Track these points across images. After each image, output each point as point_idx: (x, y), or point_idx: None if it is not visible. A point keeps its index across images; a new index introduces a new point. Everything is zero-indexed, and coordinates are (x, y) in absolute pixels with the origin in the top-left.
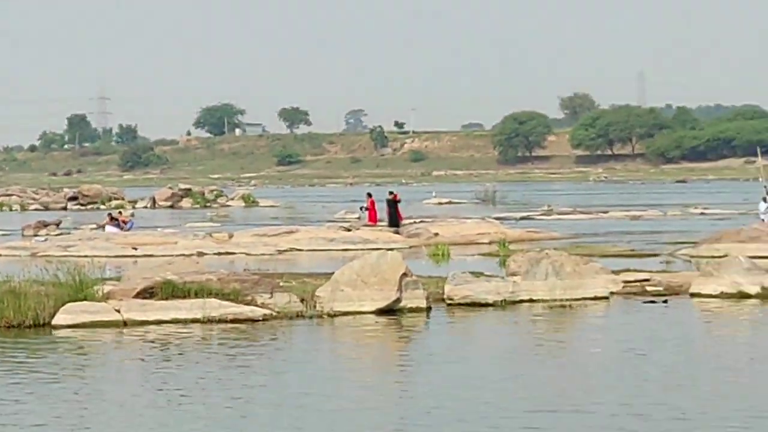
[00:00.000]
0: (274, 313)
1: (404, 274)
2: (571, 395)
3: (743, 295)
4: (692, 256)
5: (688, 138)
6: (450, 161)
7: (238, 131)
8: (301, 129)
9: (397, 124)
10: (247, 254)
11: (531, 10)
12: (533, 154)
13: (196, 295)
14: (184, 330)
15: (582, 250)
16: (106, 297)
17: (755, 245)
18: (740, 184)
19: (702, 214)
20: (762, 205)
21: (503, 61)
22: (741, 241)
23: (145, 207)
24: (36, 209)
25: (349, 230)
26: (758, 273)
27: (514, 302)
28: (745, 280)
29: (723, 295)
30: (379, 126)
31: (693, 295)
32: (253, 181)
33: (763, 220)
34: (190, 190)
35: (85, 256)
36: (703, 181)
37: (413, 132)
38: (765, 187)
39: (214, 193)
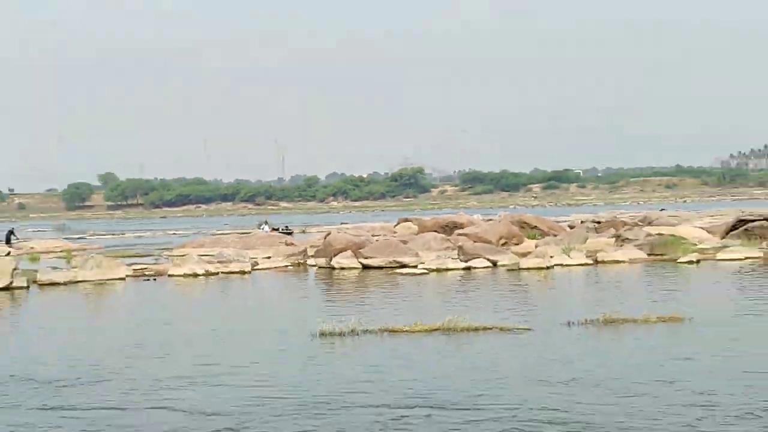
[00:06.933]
0: None
1: None
2: None
3: (197, 275)
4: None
5: None
6: None
7: None
8: None
9: None
10: None
11: None
12: None
13: None
14: None
15: None
16: None
17: (204, 249)
18: None
19: None
20: (266, 229)
21: None
22: (201, 245)
23: None
24: None
25: None
26: (203, 263)
27: None
28: (198, 267)
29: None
30: None
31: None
32: None
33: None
34: None
35: None
36: None
37: None
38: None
39: None
